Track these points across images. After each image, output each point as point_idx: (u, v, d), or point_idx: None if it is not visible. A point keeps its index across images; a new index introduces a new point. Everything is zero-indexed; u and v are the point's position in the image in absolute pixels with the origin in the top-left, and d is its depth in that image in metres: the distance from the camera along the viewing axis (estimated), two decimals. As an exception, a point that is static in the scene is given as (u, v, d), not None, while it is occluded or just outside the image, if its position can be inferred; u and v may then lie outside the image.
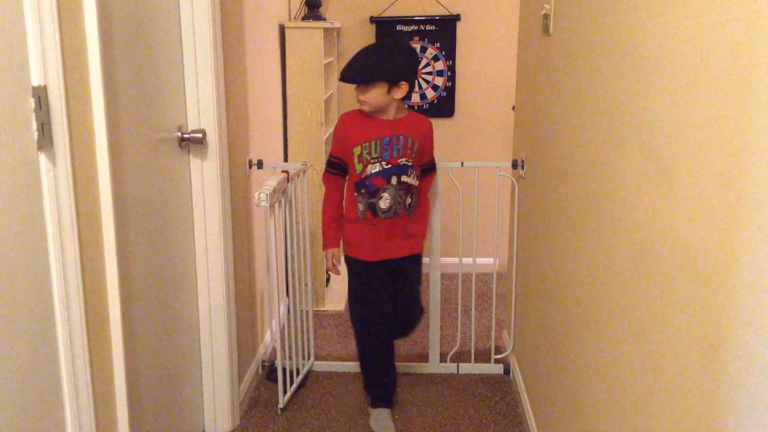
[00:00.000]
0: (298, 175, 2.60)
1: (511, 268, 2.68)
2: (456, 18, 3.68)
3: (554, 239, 1.91)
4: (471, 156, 3.68)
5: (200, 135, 2.01)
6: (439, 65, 3.75)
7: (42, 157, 1.21)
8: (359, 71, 2.16)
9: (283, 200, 2.45)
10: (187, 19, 1.97)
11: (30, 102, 1.17)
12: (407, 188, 2.26)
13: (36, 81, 1.18)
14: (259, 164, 2.58)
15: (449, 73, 3.75)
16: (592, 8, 1.51)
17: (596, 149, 1.46)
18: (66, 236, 1.27)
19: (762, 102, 0.78)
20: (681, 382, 1.00)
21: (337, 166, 2.31)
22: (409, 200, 2.28)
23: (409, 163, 2.25)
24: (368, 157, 2.21)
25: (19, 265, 1.15)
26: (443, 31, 3.70)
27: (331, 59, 3.48)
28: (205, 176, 2.09)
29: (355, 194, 2.26)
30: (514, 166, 2.59)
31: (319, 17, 3.33)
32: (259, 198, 2.18)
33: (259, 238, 2.71)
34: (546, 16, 1.99)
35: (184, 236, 2.07)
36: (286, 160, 3.26)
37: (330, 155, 2.32)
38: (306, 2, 3.36)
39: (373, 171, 2.21)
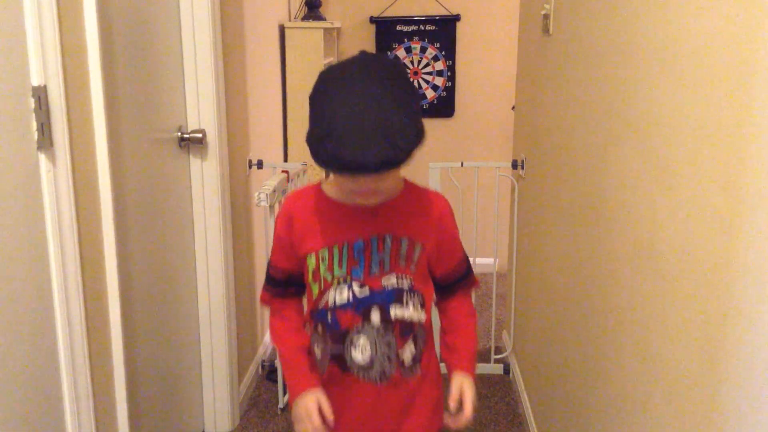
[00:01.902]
0: (298, 175, 2.60)
1: (511, 268, 2.68)
2: (456, 18, 3.68)
3: (554, 239, 1.91)
4: (471, 156, 3.68)
5: (200, 135, 2.01)
6: (439, 65, 3.75)
7: (42, 157, 1.21)
8: (392, 146, 1.03)
9: (283, 200, 2.45)
10: (187, 19, 1.97)
11: (30, 102, 1.17)
12: (405, 329, 1.25)
13: (36, 81, 1.18)
14: (259, 164, 2.58)
15: (449, 73, 3.75)
16: (592, 8, 1.51)
17: (596, 149, 1.46)
18: (66, 236, 1.27)
19: (762, 102, 0.78)
20: (681, 382, 1.00)
21: (282, 283, 1.31)
22: (409, 351, 1.26)
23: (405, 285, 1.23)
24: (328, 276, 1.22)
25: (19, 265, 1.15)
26: (443, 31, 3.70)
27: (331, 59, 3.48)
28: (205, 176, 2.09)
29: (312, 330, 1.30)
30: (514, 166, 2.59)
31: (319, 17, 3.33)
32: (259, 198, 2.18)
33: (259, 238, 2.71)
34: (546, 16, 1.99)
35: (184, 236, 2.07)
36: (286, 160, 3.27)
37: (269, 264, 1.33)
38: (306, 2, 3.36)
39: (338, 301, 1.22)
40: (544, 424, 2.04)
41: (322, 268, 1.23)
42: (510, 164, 2.62)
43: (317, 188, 1.27)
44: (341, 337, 1.24)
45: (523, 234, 2.52)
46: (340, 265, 1.22)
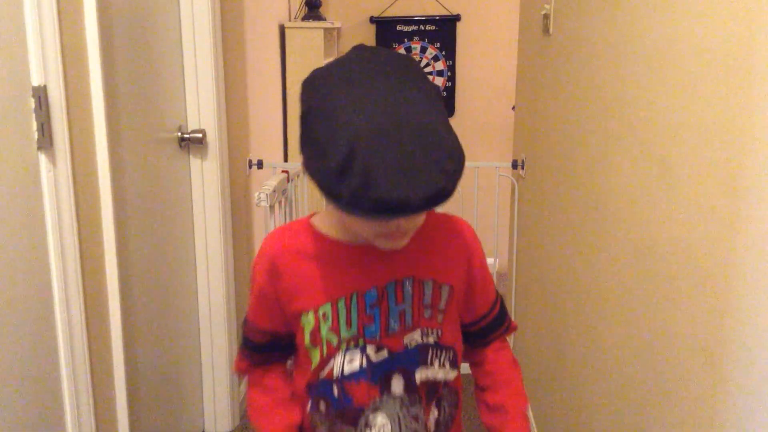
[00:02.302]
0: (298, 175, 2.60)
1: (511, 268, 2.68)
2: (456, 18, 3.68)
3: (554, 239, 1.91)
4: (471, 156, 3.66)
5: (200, 135, 2.01)
6: (439, 65, 3.74)
7: (42, 157, 1.21)
8: (443, 173, 0.77)
9: (283, 200, 2.45)
10: (187, 19, 1.97)
11: (30, 102, 1.17)
12: (430, 392, 0.97)
13: (36, 81, 1.18)
14: (259, 164, 2.58)
15: (449, 73, 3.75)
16: (592, 8, 1.51)
17: (596, 149, 1.46)
18: (66, 236, 1.27)
19: (762, 102, 0.78)
20: (681, 383, 1.00)
21: (264, 348, 1.04)
22: (432, 418, 0.98)
23: (431, 340, 0.97)
24: (333, 339, 0.95)
25: (19, 265, 1.15)
26: (443, 31, 3.70)
27: (330, 59, 3.48)
28: (205, 176, 2.09)
29: (309, 407, 0.99)
30: (514, 166, 2.59)
31: (319, 17, 3.33)
32: (259, 198, 2.18)
33: (259, 238, 2.71)
34: (546, 16, 1.99)
35: (184, 236, 2.07)
36: (286, 160, 3.27)
37: (246, 323, 1.05)
38: (306, 2, 3.36)
39: (347, 369, 0.94)
40: (544, 424, 2.04)
41: (324, 329, 0.94)
42: (510, 164, 2.62)
43: (307, 225, 0.98)
44: (354, 417, 0.94)
45: (523, 234, 2.52)
46: (349, 324, 0.93)
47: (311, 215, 1.00)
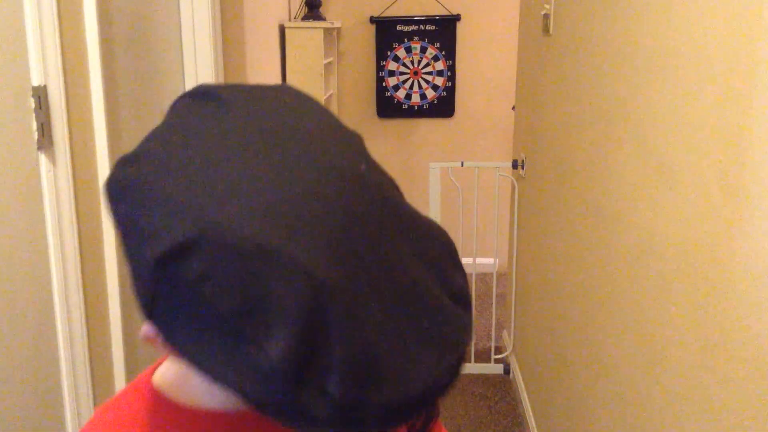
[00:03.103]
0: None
1: (511, 268, 2.68)
2: (456, 18, 3.68)
3: (554, 239, 1.91)
4: (471, 156, 3.68)
5: (200, 135, 2.02)
6: (439, 65, 3.75)
7: (42, 157, 1.21)
8: (465, 316, 0.43)
9: None
10: (187, 19, 1.97)
11: (30, 102, 1.17)
12: None
13: (36, 81, 1.18)
14: (259, 164, 2.58)
15: (449, 73, 3.75)
16: (592, 8, 1.51)
17: (596, 149, 1.46)
18: (66, 236, 1.27)
19: (762, 102, 0.78)
20: (681, 382, 1.00)
21: None
22: None
23: None
24: None
25: (19, 265, 1.15)
26: (443, 31, 3.70)
27: (331, 59, 3.48)
28: (205, 176, 2.10)
29: None
30: (514, 166, 2.59)
31: (319, 17, 3.33)
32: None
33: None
34: (546, 16, 1.99)
35: (184, 236, 2.07)
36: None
37: None
38: (306, 2, 3.36)
39: None
40: (544, 424, 2.04)
41: None
42: (510, 164, 2.62)
43: (151, 396, 0.56)
44: None
45: (523, 234, 2.52)
46: None
47: (150, 372, 0.58)
